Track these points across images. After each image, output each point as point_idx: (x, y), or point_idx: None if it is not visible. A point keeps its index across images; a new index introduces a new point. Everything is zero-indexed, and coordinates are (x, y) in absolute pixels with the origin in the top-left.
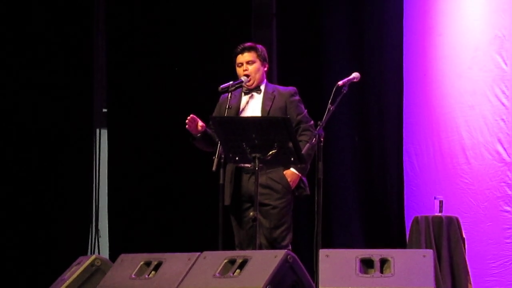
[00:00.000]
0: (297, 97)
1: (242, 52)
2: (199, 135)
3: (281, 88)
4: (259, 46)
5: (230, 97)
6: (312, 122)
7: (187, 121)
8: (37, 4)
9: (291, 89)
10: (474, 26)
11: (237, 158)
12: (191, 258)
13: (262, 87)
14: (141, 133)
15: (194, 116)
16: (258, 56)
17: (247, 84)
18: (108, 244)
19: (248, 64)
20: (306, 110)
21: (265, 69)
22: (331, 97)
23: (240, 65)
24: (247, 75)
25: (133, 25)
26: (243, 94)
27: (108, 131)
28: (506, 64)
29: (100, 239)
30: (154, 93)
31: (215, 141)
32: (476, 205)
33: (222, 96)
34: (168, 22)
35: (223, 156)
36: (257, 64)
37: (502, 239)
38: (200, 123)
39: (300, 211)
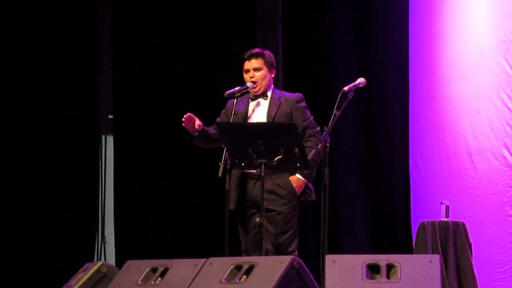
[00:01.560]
0: (303, 104)
1: (249, 58)
2: (196, 134)
3: (287, 94)
4: (267, 52)
5: (236, 102)
6: (318, 128)
7: (183, 119)
8: (43, 13)
9: (297, 95)
10: (479, 31)
11: (243, 164)
12: (198, 264)
13: (269, 94)
14: (147, 140)
15: (191, 115)
16: (265, 62)
17: (253, 90)
18: (114, 251)
19: (255, 71)
20: (312, 116)
21: (272, 75)
22: (336, 103)
23: (247, 71)
24: (254, 82)
25: (139, 32)
26: (250, 100)
27: (114, 137)
28: (511, 68)
29: (106, 245)
30: (159, 99)
31: (214, 139)
32: (482, 210)
33: (229, 102)
34: (174, 28)
35: (229, 162)
36: (264, 70)
37: (508, 244)
38: (198, 122)
39: (306, 216)
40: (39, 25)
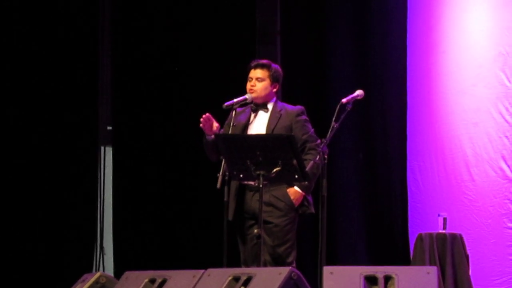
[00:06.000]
0: (303, 117)
1: (255, 67)
2: (213, 136)
3: (289, 107)
4: (274, 66)
5: (234, 114)
6: (318, 141)
7: (201, 119)
8: (44, 23)
9: (298, 108)
10: (478, 43)
11: (241, 176)
12: (196, 275)
13: (270, 106)
14: (145, 151)
15: (210, 115)
16: (270, 75)
17: (252, 95)
18: (113, 261)
19: (257, 80)
20: (313, 129)
21: (275, 89)
22: (335, 115)
23: (250, 79)
24: (252, 91)
25: (137, 44)
26: (251, 111)
27: (113, 148)
28: (509, 81)
29: (105, 256)
30: (159, 111)
31: None
32: (480, 222)
33: (231, 112)
34: (174, 40)
35: (227, 173)
36: (266, 82)
37: (506, 256)
38: (216, 124)
39: (304, 228)
40: (38, 37)
